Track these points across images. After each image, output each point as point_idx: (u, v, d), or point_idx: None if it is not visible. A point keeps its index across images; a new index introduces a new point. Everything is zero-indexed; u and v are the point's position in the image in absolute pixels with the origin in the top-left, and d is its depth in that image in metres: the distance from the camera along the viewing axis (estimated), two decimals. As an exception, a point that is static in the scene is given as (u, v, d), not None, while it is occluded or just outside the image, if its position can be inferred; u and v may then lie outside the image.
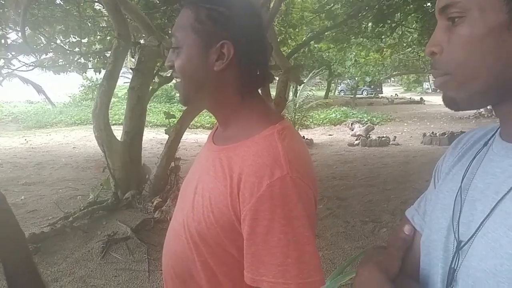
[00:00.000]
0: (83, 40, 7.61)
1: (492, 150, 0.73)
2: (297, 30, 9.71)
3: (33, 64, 8.30)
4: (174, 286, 1.08)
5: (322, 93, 24.84)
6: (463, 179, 0.75)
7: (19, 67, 12.09)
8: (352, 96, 27.46)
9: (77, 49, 7.72)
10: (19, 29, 6.34)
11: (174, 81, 1.11)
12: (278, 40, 8.50)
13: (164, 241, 1.13)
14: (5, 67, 11.89)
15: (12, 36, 7.88)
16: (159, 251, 4.30)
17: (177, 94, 1.12)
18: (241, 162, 0.94)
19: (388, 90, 38.11)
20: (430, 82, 41.59)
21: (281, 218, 0.87)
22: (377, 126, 15.09)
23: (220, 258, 0.98)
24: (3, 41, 6.96)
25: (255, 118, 1.02)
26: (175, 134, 5.43)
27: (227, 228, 0.94)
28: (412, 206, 0.93)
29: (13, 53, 8.34)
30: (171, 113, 5.79)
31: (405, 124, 16.23)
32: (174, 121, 5.66)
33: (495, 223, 0.64)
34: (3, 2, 6.06)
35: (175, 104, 18.79)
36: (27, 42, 6.01)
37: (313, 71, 14.92)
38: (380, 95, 32.66)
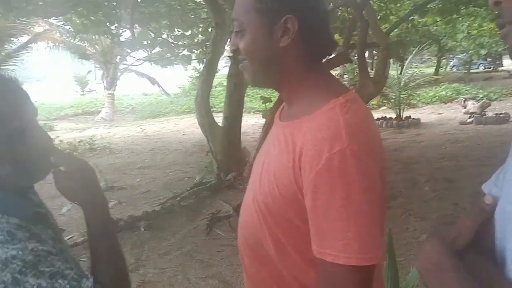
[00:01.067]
0: (186, 33, 8.00)
1: None
2: (398, 4, 9.23)
3: (144, 59, 8.96)
4: (247, 255, 1.15)
5: (431, 70, 23.40)
6: None
7: (132, 63, 13.13)
8: (466, 71, 25.50)
9: (181, 42, 8.12)
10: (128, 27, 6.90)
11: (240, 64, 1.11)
12: (379, 17, 8.19)
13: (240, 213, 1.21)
14: (121, 63, 12.97)
15: (126, 34, 8.56)
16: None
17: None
18: (303, 137, 0.95)
19: (510, 63, 34.75)
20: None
21: (341, 192, 0.86)
22: (494, 102, 13.91)
23: (287, 229, 1.00)
24: (116, 39, 7.62)
25: (318, 93, 1.01)
26: (271, 118, 5.53)
27: (291, 201, 0.96)
28: (489, 179, 0.85)
29: (127, 50, 9.08)
30: (268, 97, 5.91)
31: (528, 98, 14.75)
32: (271, 104, 5.77)
33: None
34: (115, 4, 6.60)
35: (275, 89, 18.97)
36: (135, 37, 6.49)
37: (417, 47, 14.08)
38: (500, 68, 29.82)
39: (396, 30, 9.84)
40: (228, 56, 5.86)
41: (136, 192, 6.15)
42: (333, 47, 1.09)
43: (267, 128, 5.52)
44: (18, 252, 0.89)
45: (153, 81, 18.11)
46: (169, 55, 9.00)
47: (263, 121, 9.97)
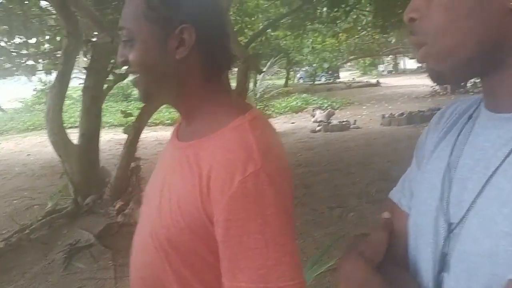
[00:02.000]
0: (30, 41, 7.26)
1: (478, 123, 0.68)
2: (253, 18, 9.61)
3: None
4: None
5: (281, 82, 24.91)
6: (450, 156, 0.70)
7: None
8: (311, 83, 27.63)
9: (24, 51, 7.35)
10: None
11: (130, 77, 1.00)
12: (235, 29, 8.39)
13: (131, 251, 1.04)
14: None
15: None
16: (125, 257, 4.13)
17: (135, 91, 1.02)
18: (210, 159, 0.86)
19: (345, 75, 38.63)
20: (385, 64, 42.60)
21: (257, 217, 0.80)
22: (337, 111, 15.23)
23: (195, 265, 0.90)
24: None
25: (221, 109, 0.93)
26: (134, 133, 5.26)
27: (199, 233, 0.86)
28: (395, 188, 0.87)
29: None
30: (128, 111, 5.61)
31: (364, 107, 16.43)
32: (132, 119, 5.48)
33: (487, 200, 0.59)
34: None
35: (132, 102, 18.37)
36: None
37: (271, 60, 14.88)
38: (338, 80, 33.05)
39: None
40: (84, 68, 5.44)
41: (-30, 227, 5.27)
42: (233, 59, 1.00)
43: (129, 145, 5.21)
44: None
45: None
46: (9, 65, 8.03)
47: (119, 136, 9.48)
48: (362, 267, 0.72)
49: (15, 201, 6.46)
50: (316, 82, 29.00)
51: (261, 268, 0.79)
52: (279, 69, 20.76)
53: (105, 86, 5.57)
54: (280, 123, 13.82)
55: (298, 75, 33.68)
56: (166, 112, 14.44)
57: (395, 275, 0.72)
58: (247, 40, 8.85)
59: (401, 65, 44.88)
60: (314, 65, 22.21)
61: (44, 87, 18.83)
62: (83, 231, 4.61)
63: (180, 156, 0.95)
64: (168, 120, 14.31)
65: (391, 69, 42.85)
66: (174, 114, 14.41)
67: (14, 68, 8.33)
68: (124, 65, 0.95)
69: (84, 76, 5.58)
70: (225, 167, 0.83)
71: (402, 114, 11.79)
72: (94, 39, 5.69)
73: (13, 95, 20.79)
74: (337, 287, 0.74)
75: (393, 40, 20.51)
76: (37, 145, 11.72)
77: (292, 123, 13.89)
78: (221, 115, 0.92)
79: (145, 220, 1.01)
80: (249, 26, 9.58)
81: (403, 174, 0.87)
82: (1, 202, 6.47)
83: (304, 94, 20.02)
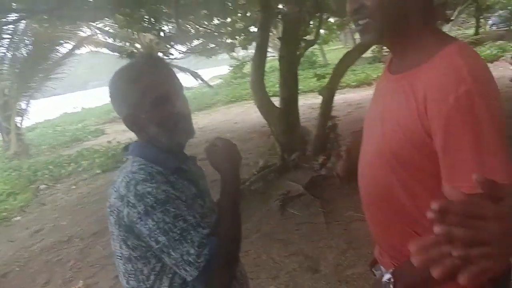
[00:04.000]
0: (225, 21, 7.91)
1: None
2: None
3: (189, 52, 9.02)
4: (374, 206, 1.19)
5: (470, 31, 22.56)
6: None
7: (175, 57, 12.95)
8: (507, 28, 24.33)
9: (222, 30, 8.04)
10: (172, 21, 6.84)
11: (355, 25, 1.10)
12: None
13: (358, 170, 1.23)
14: (165, 58, 12.90)
15: (164, 29, 8.52)
16: (331, 205, 4.56)
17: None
18: (424, 84, 0.96)
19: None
20: None
21: (471, 130, 0.88)
22: (542, 55, 13.29)
23: (417, 174, 1.02)
24: (160, 34, 7.61)
25: (433, 41, 1.02)
26: (328, 94, 5.55)
27: (419, 146, 0.98)
28: None
29: (169, 44, 9.13)
30: (321, 74, 5.90)
31: None
32: (325, 82, 5.76)
33: None
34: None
35: (318, 68, 18.76)
36: (181, 31, 6.41)
37: (457, 9, 13.52)
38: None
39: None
40: (278, 38, 5.83)
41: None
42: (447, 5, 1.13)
43: (325, 105, 5.52)
44: (153, 190, 1.13)
45: (195, 75, 18.08)
46: (212, 45, 8.93)
47: (310, 101, 9.94)
48: None
49: (231, 161, 7.33)
50: (513, 27, 25.38)
51: (479, 171, 0.85)
52: (464, 19, 18.71)
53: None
54: (473, 75, 12.74)
55: (490, 22, 29.88)
56: (351, 75, 14.50)
57: None
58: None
59: None
60: (510, 7, 19.46)
61: (238, 63, 20.52)
62: (292, 183, 5.11)
63: (396, 87, 1.07)
64: (354, 82, 14.39)
65: None
66: (360, 76, 14.45)
67: (217, 47, 9.22)
68: (355, 13, 1.05)
69: (271, 50, 5.90)
70: (439, 89, 0.92)
71: None
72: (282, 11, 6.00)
73: (213, 73, 22.94)
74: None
75: None
76: (241, 114, 12.91)
77: (488, 73, 12.67)
78: (432, 46, 1.00)
79: (368, 144, 1.19)
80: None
81: None
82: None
83: (499, 41, 17.87)
